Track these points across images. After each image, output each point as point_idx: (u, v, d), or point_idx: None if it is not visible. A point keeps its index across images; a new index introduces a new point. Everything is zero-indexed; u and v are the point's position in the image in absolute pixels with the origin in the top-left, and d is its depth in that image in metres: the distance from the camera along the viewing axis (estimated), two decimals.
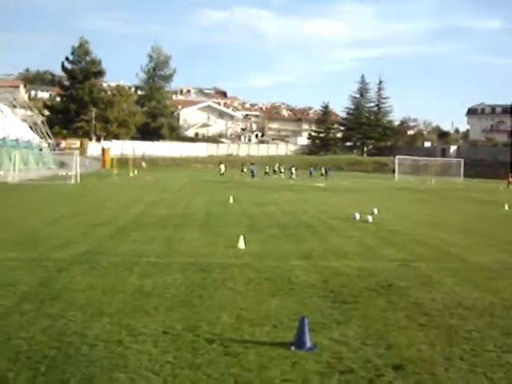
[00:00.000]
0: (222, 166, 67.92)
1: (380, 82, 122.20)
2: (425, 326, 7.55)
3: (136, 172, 64.81)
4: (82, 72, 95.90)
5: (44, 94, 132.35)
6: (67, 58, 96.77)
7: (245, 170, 71.38)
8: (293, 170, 66.71)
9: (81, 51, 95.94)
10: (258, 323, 7.52)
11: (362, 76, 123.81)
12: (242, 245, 13.79)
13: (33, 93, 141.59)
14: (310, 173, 71.70)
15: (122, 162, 77.16)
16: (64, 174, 51.89)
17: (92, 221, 18.70)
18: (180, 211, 22.54)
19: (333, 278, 10.48)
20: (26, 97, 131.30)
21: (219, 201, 28.08)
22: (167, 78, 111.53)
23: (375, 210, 23.48)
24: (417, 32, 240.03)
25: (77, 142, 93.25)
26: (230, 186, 42.39)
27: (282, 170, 73.07)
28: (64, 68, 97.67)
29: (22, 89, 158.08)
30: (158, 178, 54.24)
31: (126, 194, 32.20)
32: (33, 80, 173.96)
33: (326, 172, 66.33)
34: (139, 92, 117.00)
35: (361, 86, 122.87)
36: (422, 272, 11.22)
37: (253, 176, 61.35)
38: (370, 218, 20.44)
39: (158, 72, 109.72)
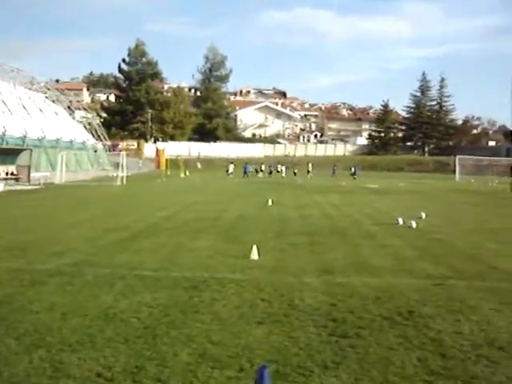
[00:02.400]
0: (231, 166, 64.90)
1: (442, 80, 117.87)
2: (439, 374, 5.75)
3: (188, 173, 64.05)
4: (139, 73, 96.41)
5: (106, 97, 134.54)
6: (124, 60, 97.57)
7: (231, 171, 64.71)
8: (309, 167, 66.02)
9: (137, 53, 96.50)
10: (222, 364, 5.94)
11: (423, 73, 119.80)
12: (255, 255, 12.21)
13: (97, 95, 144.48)
14: (333, 172, 67.45)
15: (177, 163, 76.52)
16: (113, 175, 51.61)
17: (109, 225, 17.55)
18: (210, 214, 21.11)
19: (344, 300, 8.74)
20: (88, 99, 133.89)
21: (259, 202, 26.55)
22: (223, 79, 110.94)
23: (423, 215, 21.51)
24: (481, 29, 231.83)
25: (134, 144, 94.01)
26: (278, 188, 40.81)
27: (280, 170, 68.82)
28: (120, 70, 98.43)
29: (85, 92, 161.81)
30: (209, 179, 53.26)
31: (165, 196, 31.13)
32: (96, 83, 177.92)
33: (355, 172, 62.39)
34: (194, 93, 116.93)
35: (422, 83, 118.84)
36: (455, 293, 9.32)
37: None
38: (414, 224, 18.42)
39: (213, 73, 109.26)
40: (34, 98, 60.93)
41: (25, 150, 43.31)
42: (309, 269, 11.19)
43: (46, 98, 67.93)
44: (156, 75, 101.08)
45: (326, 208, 25.10)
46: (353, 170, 64.67)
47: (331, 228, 17.93)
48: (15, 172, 42.28)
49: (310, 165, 68.67)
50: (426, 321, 7.66)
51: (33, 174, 43.32)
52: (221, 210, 23.11)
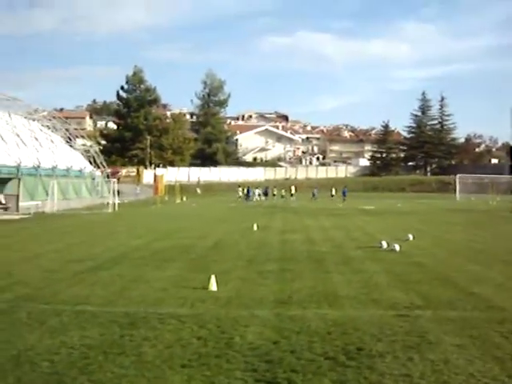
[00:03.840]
0: (240, 190, 65.95)
1: (442, 99, 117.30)
2: None
3: (185, 199, 63.28)
4: (137, 100, 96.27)
5: (109, 124, 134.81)
6: (122, 87, 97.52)
7: (240, 194, 65.65)
8: (292, 190, 65.07)
9: (135, 79, 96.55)
10: None
11: (423, 93, 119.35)
12: (213, 286, 11.34)
13: (99, 123, 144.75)
14: (313, 195, 63.54)
15: (176, 189, 75.71)
16: (108, 202, 50.88)
17: (76, 255, 16.70)
18: (188, 242, 20.24)
19: (290, 336, 7.85)
20: (91, 127, 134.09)
21: (244, 228, 25.66)
22: (222, 103, 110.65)
23: (411, 236, 20.68)
24: (481, 48, 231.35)
25: (135, 170, 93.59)
26: (270, 211, 39.95)
27: (275, 193, 67.40)
28: (119, 97, 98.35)
29: (87, 119, 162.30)
30: (204, 205, 52.49)
31: (151, 223, 30.27)
32: (100, 111, 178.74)
33: (344, 194, 59.12)
34: (194, 118, 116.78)
35: (422, 103, 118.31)
36: (418, 326, 8.41)
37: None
38: (398, 247, 17.52)
39: (212, 98, 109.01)
40: (30, 127, 60.55)
41: (13, 178, 42.71)
42: (266, 300, 10.31)
43: (43, 126, 67.58)
44: (154, 101, 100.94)
45: (311, 232, 24.20)
46: (341, 192, 62.98)
47: (309, 254, 17.04)
48: (3, 201, 41.59)
49: (292, 187, 67.73)
50: (372, 361, 6.76)
51: (25, 203, 42.66)
52: (201, 236, 22.24)
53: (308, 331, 8.11)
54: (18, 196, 41.93)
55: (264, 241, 20.56)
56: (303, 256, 16.46)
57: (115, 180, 48.87)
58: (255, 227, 25.07)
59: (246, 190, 64.37)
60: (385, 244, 18.24)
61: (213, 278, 11.49)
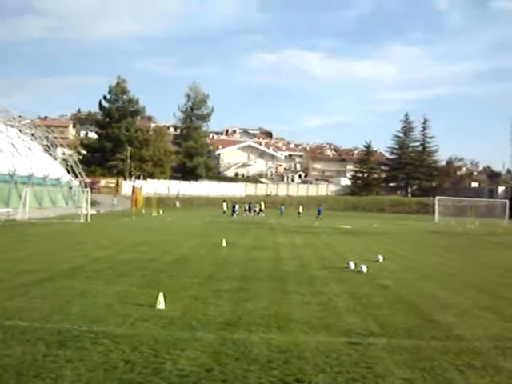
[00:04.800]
0: (225, 205, 65.63)
1: (425, 121, 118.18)
2: None
3: (161, 212, 62.33)
4: (119, 111, 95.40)
5: (91, 134, 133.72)
6: (105, 97, 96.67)
7: (225, 209, 65.09)
8: (257, 207, 64.72)
9: (118, 90, 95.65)
10: None
11: (406, 114, 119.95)
12: (161, 304, 10.67)
13: (82, 132, 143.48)
14: (281, 211, 65.34)
15: (153, 201, 74.65)
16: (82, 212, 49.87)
17: (30, 266, 15.92)
18: (150, 256, 19.54)
19: (226, 364, 7.21)
20: (74, 136, 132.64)
21: (213, 244, 24.96)
22: (205, 118, 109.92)
23: (381, 258, 20.16)
24: (464, 73, 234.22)
25: (115, 181, 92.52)
26: (245, 227, 39.27)
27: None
28: (101, 106, 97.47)
29: (70, 128, 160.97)
30: (179, 218, 51.70)
31: (119, 235, 29.43)
32: (84, 120, 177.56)
33: (319, 212, 57.60)
34: (175, 131, 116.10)
35: (405, 124, 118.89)
36: (368, 356, 7.80)
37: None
38: (365, 269, 16.96)
39: (195, 111, 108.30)
40: (7, 133, 59.47)
41: None
42: (213, 321, 9.65)
43: (23, 133, 66.49)
44: (137, 112, 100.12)
45: (281, 250, 23.60)
46: (301, 209, 65.48)
47: (273, 272, 16.40)
48: None
49: (262, 203, 67.56)
50: None
51: None
52: (166, 250, 21.52)
53: (247, 358, 7.47)
54: None
55: (229, 257, 19.89)
56: (266, 275, 15.82)
57: (88, 190, 47.84)
58: (224, 243, 24.40)
59: (232, 206, 63.85)
60: (352, 265, 17.68)
61: (161, 295, 10.82)
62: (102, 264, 16.96)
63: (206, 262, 18.21)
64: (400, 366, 7.33)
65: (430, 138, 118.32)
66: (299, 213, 64.67)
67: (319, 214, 57.09)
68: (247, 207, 66.05)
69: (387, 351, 8.04)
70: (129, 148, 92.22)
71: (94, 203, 70.34)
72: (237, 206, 63.28)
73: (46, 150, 71.95)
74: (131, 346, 7.89)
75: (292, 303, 11.66)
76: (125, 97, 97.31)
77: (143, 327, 9.09)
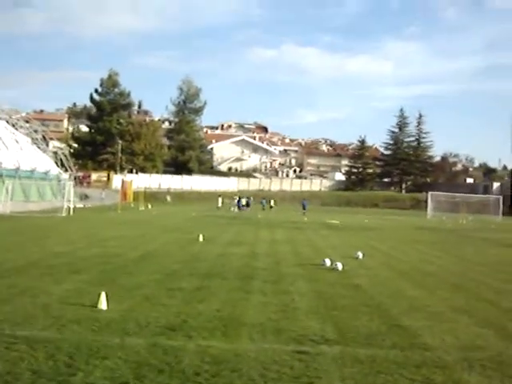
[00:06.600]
0: (220, 199, 64.73)
1: (420, 116, 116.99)
2: None
3: (150, 206, 61.27)
4: (110, 104, 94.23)
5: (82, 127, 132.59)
6: (96, 90, 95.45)
7: (220, 205, 64.06)
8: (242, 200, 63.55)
9: (109, 83, 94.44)
10: None
11: (401, 110, 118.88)
12: (103, 304, 9.73)
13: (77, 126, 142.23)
14: (263, 205, 65.63)
15: (146, 195, 73.60)
16: (70, 206, 48.84)
17: None
18: (117, 251, 18.62)
19: (144, 377, 6.29)
20: (70, 130, 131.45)
21: (189, 239, 24.00)
22: (197, 111, 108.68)
23: (360, 255, 19.27)
24: (462, 69, 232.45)
25: (106, 175, 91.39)
26: (227, 223, 38.33)
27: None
28: (92, 99, 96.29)
29: (65, 122, 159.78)
30: (166, 213, 50.71)
31: (93, 230, 28.43)
32: (79, 114, 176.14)
33: (304, 207, 57.02)
34: (170, 125, 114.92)
35: (400, 119, 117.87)
36: (313, 368, 6.87)
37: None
38: (340, 266, 16.03)
39: (188, 105, 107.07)
40: None
41: None
42: (154, 325, 8.71)
43: (12, 126, 65.37)
44: (129, 106, 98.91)
45: (258, 245, 22.70)
46: (272, 203, 67.21)
47: (241, 269, 15.48)
48: None
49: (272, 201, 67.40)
50: None
51: None
52: (134, 246, 20.57)
53: (173, 370, 6.53)
54: None
55: (200, 253, 18.95)
56: (233, 272, 14.89)
57: (72, 183, 46.84)
58: (201, 238, 23.45)
59: (236, 200, 63.44)
60: (328, 262, 16.76)
61: (103, 294, 9.88)
62: (60, 259, 16.00)
63: (174, 259, 17.27)
64: (347, 382, 6.40)
65: (425, 133, 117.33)
66: (271, 206, 66.02)
67: (304, 208, 56.28)
68: (246, 202, 65.07)
69: (337, 363, 7.11)
70: (120, 141, 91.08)
71: (83, 197, 69.53)
72: (244, 200, 62.78)
73: (35, 144, 70.95)
74: (47, 354, 6.96)
75: (249, 304, 10.74)
76: (116, 90, 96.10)
77: (71, 331, 8.15)
